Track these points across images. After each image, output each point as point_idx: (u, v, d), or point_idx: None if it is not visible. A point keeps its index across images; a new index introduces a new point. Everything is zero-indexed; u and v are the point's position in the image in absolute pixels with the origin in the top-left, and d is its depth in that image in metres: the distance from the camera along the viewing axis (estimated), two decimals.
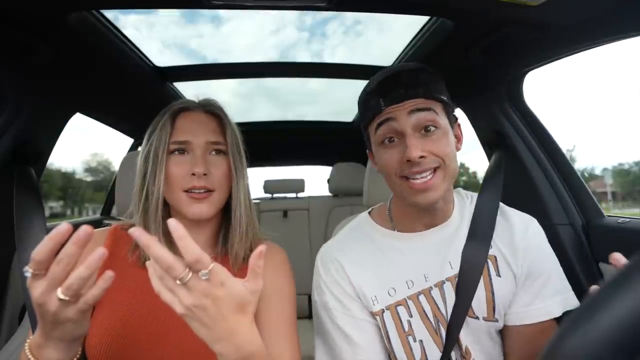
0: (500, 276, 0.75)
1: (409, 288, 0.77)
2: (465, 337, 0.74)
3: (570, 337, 0.24)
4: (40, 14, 0.83)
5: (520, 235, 0.77)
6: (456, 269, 0.76)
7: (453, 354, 0.74)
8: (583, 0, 0.78)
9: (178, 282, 0.47)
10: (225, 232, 0.79)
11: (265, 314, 0.73)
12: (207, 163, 0.73)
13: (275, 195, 2.59)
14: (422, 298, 0.76)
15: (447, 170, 0.71)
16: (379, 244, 0.82)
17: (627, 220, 1.04)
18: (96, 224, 1.31)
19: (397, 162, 0.71)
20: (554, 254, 0.79)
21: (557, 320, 0.74)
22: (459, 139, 0.79)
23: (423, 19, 1.13)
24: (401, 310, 0.76)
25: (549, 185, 1.21)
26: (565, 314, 0.75)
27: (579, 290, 0.75)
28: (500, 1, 0.77)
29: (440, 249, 0.78)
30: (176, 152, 0.74)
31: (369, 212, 0.91)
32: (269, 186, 2.56)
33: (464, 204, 0.84)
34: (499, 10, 0.83)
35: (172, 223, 0.48)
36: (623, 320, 0.23)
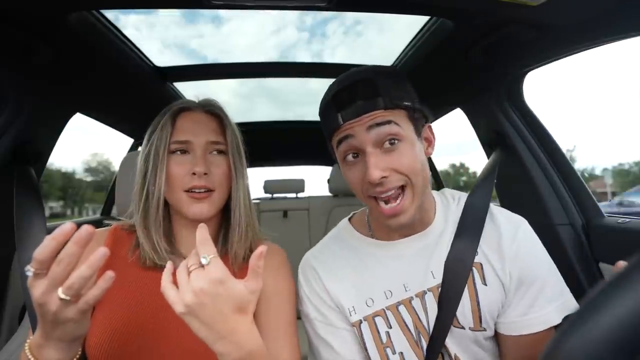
0: (486, 285, 0.71)
1: (387, 298, 0.74)
2: (452, 345, 0.72)
3: (570, 336, 0.24)
4: (40, 14, 0.83)
5: (509, 240, 0.72)
6: (439, 279, 0.72)
7: None
8: (583, 0, 0.78)
9: (190, 267, 0.51)
10: (225, 232, 0.79)
11: (264, 315, 0.73)
12: (207, 163, 0.73)
13: (275, 195, 2.59)
14: (401, 308, 0.73)
15: (415, 187, 0.67)
16: (357, 252, 0.79)
17: (627, 220, 1.04)
18: (96, 224, 1.31)
19: (360, 181, 0.68)
20: (548, 256, 0.73)
21: (556, 327, 0.70)
22: (429, 142, 0.74)
23: (423, 19, 1.13)
24: (379, 321, 0.73)
25: (549, 185, 1.21)
26: (565, 319, 0.71)
27: (579, 290, 0.74)
28: (500, 1, 0.77)
29: (421, 257, 0.75)
30: (177, 152, 0.74)
31: (349, 219, 0.87)
32: (269, 186, 2.56)
33: (448, 206, 0.80)
34: (499, 10, 0.83)
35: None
36: (623, 320, 0.23)
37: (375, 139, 0.65)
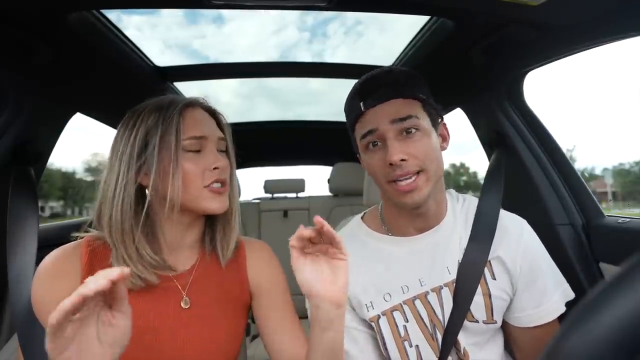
0: (495, 279, 0.76)
1: (404, 293, 0.76)
2: (464, 339, 0.75)
3: (571, 336, 0.24)
4: (40, 14, 0.82)
5: (517, 239, 0.78)
6: (454, 275, 0.76)
7: (450, 358, 0.75)
8: (583, 0, 0.78)
9: None
10: (210, 230, 0.77)
11: (266, 310, 0.74)
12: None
13: (275, 195, 2.60)
14: (417, 303, 0.76)
15: (429, 173, 0.72)
16: (372, 249, 0.81)
17: (627, 220, 1.04)
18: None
19: (381, 166, 0.72)
20: (545, 249, 0.80)
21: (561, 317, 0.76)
22: (444, 138, 0.80)
23: (423, 19, 1.13)
24: (397, 315, 0.75)
25: (549, 185, 1.21)
26: (568, 308, 0.77)
27: (579, 290, 0.75)
28: (500, 1, 0.77)
29: (435, 253, 0.78)
30: (192, 149, 0.69)
31: (362, 217, 0.90)
32: (269, 186, 2.56)
33: (456, 205, 0.84)
34: (499, 10, 0.83)
35: None
36: (624, 319, 0.23)
37: (396, 129, 0.71)
